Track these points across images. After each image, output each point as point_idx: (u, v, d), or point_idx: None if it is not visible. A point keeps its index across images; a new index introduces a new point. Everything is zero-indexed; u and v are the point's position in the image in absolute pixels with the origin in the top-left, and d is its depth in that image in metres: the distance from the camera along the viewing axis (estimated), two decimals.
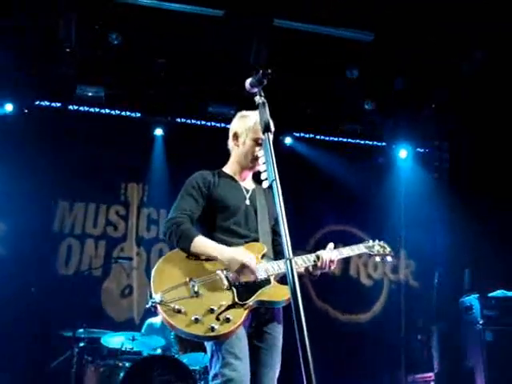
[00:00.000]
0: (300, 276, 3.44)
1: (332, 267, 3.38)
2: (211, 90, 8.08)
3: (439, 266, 8.37)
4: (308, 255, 3.37)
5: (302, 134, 9.00)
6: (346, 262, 8.98)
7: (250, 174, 3.63)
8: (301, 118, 8.62)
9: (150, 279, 3.09)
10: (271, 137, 2.50)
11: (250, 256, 3.17)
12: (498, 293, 6.79)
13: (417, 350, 7.58)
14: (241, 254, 3.17)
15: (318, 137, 9.07)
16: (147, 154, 8.49)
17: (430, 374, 6.73)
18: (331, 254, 3.37)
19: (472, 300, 6.70)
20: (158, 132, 8.59)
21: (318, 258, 3.35)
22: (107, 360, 6.37)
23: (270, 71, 2.54)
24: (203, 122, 8.60)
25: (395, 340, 7.98)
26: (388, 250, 3.73)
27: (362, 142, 9.25)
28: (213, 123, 8.49)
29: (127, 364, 6.08)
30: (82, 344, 6.48)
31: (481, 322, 6.47)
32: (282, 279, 3.27)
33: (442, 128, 9.04)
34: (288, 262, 2.07)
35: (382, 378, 7.76)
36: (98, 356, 6.52)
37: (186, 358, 6.11)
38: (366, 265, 9.17)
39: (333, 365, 7.20)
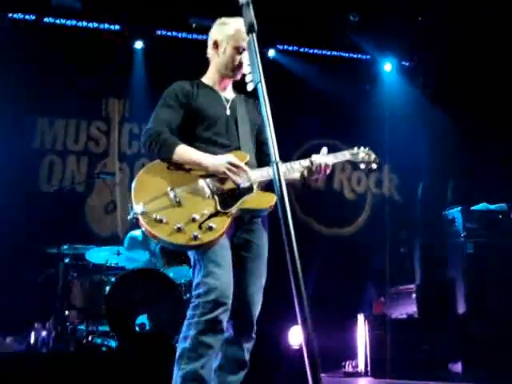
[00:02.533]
0: (293, 184, 3.44)
1: (328, 171, 3.34)
2: (193, 1, 7.81)
3: (423, 179, 8.39)
4: (302, 160, 3.33)
5: (285, 47, 8.79)
6: (329, 176, 8.95)
7: (230, 84, 3.53)
8: (284, 29, 8.40)
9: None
10: (255, 38, 2.39)
11: (231, 156, 3.13)
12: (481, 206, 6.82)
13: (399, 262, 7.67)
14: (226, 156, 3.13)
15: (301, 50, 8.88)
16: (127, 68, 8.26)
17: (412, 286, 6.84)
18: (326, 158, 3.33)
19: (455, 213, 6.73)
20: (138, 45, 8.34)
21: (311, 163, 3.31)
22: (92, 275, 6.41)
23: None
24: (184, 35, 8.37)
25: (378, 253, 8.06)
26: (373, 156, 3.67)
27: (347, 54, 9.07)
28: (194, 36, 8.28)
29: (112, 279, 6.11)
30: (66, 260, 6.52)
31: (463, 235, 6.53)
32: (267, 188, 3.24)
33: (427, 41, 8.87)
34: (274, 165, 2.00)
35: (366, 290, 7.88)
36: (83, 271, 6.55)
37: (171, 272, 6.15)
38: (350, 179, 9.19)
39: (317, 277, 7.29)
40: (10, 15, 7.82)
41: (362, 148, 3.66)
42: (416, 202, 8.31)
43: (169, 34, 8.42)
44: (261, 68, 2.21)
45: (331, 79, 8.54)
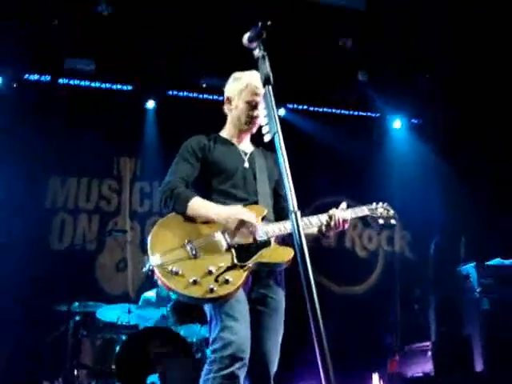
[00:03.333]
0: (311, 238, 3.39)
1: (346, 226, 3.31)
2: (205, 62, 7.96)
3: (435, 236, 8.34)
4: (320, 215, 3.31)
5: (295, 106, 8.91)
6: (341, 233, 8.95)
7: (247, 137, 3.56)
8: (294, 89, 8.52)
9: (144, 252, 3.03)
10: (271, 90, 2.42)
11: (249, 213, 3.11)
12: (495, 261, 6.77)
13: (413, 319, 7.56)
14: (239, 211, 3.11)
15: (311, 108, 9.00)
16: (139, 128, 8.38)
17: (427, 343, 6.72)
18: (344, 214, 3.31)
19: (469, 269, 6.67)
20: (150, 105, 8.47)
21: (330, 217, 3.29)
22: (103, 333, 6.33)
23: (269, 23, 2.45)
24: (195, 95, 8.51)
25: (392, 310, 7.96)
26: (392, 212, 3.65)
27: (356, 113, 9.19)
28: (206, 96, 8.41)
29: (123, 337, 6.04)
30: (77, 318, 6.43)
31: (478, 291, 6.45)
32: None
33: (436, 99, 8.98)
34: (293, 214, 2.00)
35: (379, 349, 7.74)
36: (93, 330, 6.47)
37: (182, 330, 6.07)
38: (361, 236, 9.15)
39: (329, 335, 7.18)
40: (26, 76, 7.97)
41: (380, 203, 3.65)
42: (429, 258, 8.24)
43: (180, 93, 8.55)
44: (277, 119, 2.23)
45: (341, 137, 8.62)
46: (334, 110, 9.06)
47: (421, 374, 6.61)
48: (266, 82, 2.33)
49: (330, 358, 1.90)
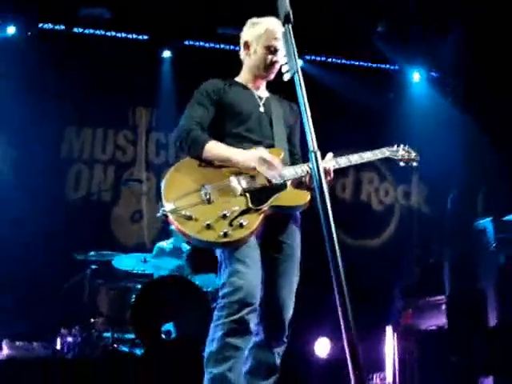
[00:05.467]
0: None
1: (328, 178, 3.15)
2: (222, 11, 7.81)
3: (452, 190, 8.27)
4: (302, 165, 3.20)
5: (313, 57, 8.75)
6: (357, 187, 8.94)
7: (263, 83, 3.49)
8: (312, 40, 8.36)
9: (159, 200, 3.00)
10: (291, 28, 2.34)
11: (262, 150, 3.07)
12: None
13: (428, 273, 7.53)
14: (257, 151, 3.07)
15: (329, 59, 8.84)
16: (155, 78, 8.27)
17: (442, 297, 6.70)
18: (326, 164, 3.15)
19: (486, 223, 6.59)
20: (166, 54, 8.36)
21: (310, 168, 3.19)
22: (119, 282, 6.41)
23: None
24: (212, 45, 8.39)
25: (407, 264, 7.93)
26: (414, 154, 3.63)
27: (375, 65, 9.02)
28: (222, 45, 8.29)
29: (139, 286, 6.09)
30: (93, 267, 6.50)
31: (494, 245, 6.39)
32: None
33: (456, 52, 8.78)
34: (313, 154, 1.95)
35: (394, 302, 7.75)
36: (109, 278, 6.54)
37: (197, 280, 6.10)
38: (378, 190, 9.10)
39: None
40: (41, 25, 7.87)
41: (401, 145, 3.61)
42: (445, 212, 8.19)
43: (197, 43, 8.43)
44: (297, 58, 2.17)
45: (359, 89, 8.47)
46: (352, 62, 8.90)
47: (434, 328, 6.61)
48: (286, 19, 2.26)
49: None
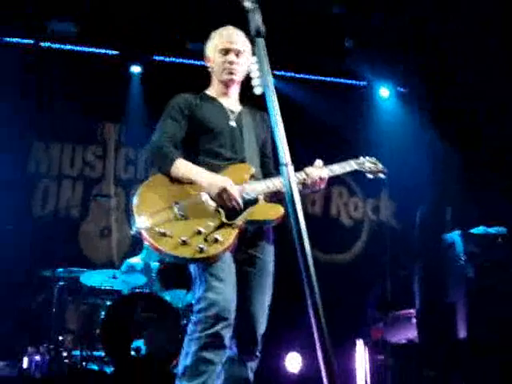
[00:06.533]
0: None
1: (322, 186, 3.27)
2: (191, 26, 7.81)
3: (421, 205, 8.34)
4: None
5: (282, 73, 8.79)
6: (326, 201, 8.97)
7: (233, 93, 3.47)
8: (281, 56, 8.40)
9: (129, 217, 2.98)
10: (263, 42, 2.34)
11: (228, 181, 3.03)
12: (480, 229, 6.77)
13: (398, 287, 7.58)
14: (219, 179, 3.04)
15: (297, 75, 8.88)
16: (124, 93, 8.23)
17: (412, 311, 6.74)
18: (320, 172, 3.25)
19: (454, 236, 6.66)
20: (136, 69, 8.32)
21: (307, 175, 3.23)
22: (88, 299, 6.30)
23: None
24: (182, 60, 8.38)
25: (376, 278, 7.97)
26: (380, 166, 3.64)
27: (343, 80, 9.10)
28: (192, 61, 8.26)
29: (108, 302, 6.01)
30: (61, 283, 6.39)
31: (463, 259, 6.45)
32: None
33: (422, 67, 8.89)
34: (284, 167, 1.94)
35: (364, 316, 7.77)
36: (78, 295, 6.43)
37: (168, 296, 6.05)
38: (347, 204, 9.14)
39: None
40: (8, 39, 7.79)
41: (367, 157, 3.63)
42: (415, 226, 8.24)
43: (166, 59, 8.41)
44: (269, 71, 2.17)
45: (328, 105, 8.53)
46: (320, 78, 8.95)
47: (405, 341, 6.64)
48: (257, 34, 2.25)
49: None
